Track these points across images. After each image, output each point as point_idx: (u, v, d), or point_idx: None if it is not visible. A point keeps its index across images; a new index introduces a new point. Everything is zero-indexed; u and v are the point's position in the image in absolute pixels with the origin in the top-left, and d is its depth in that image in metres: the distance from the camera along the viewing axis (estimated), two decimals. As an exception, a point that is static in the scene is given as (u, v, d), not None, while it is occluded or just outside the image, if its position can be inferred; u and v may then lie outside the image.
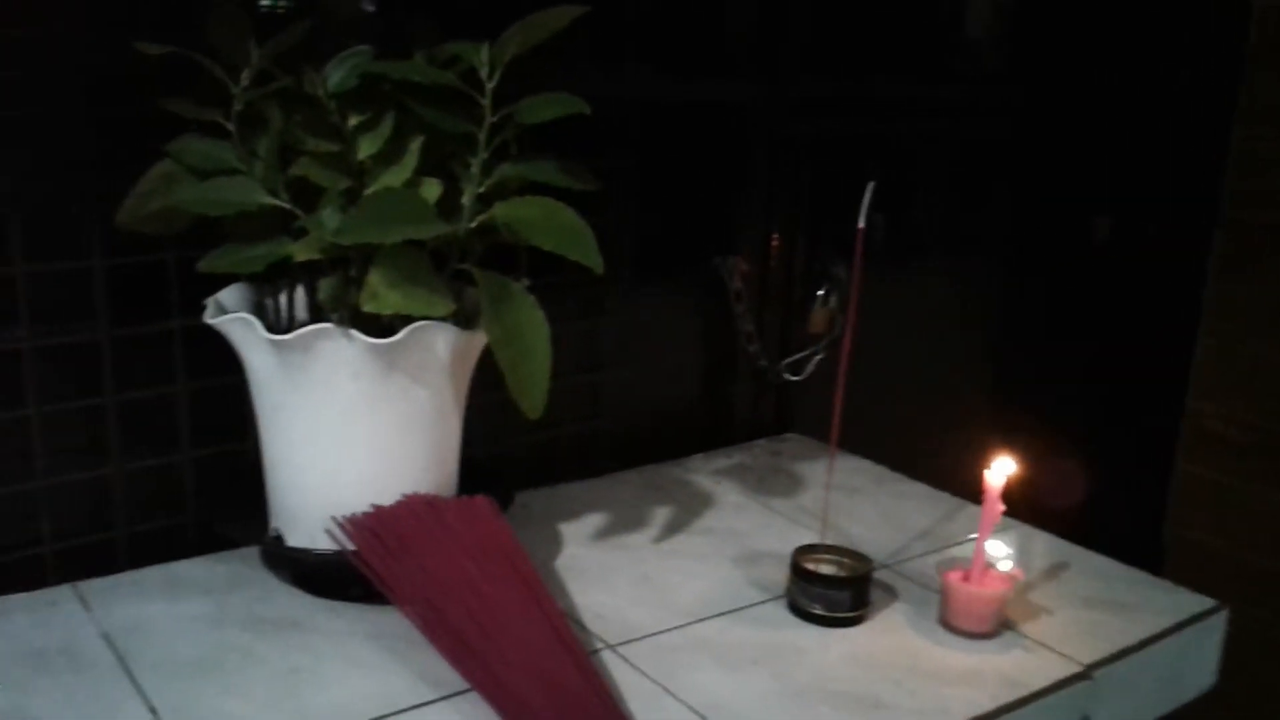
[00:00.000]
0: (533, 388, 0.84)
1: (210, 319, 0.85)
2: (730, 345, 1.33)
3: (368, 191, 0.79)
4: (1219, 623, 0.99)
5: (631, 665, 0.85)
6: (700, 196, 1.29)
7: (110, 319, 0.92)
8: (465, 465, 0.96)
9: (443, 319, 0.82)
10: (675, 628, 0.91)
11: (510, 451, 1.18)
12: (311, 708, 0.77)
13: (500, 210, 0.82)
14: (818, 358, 1.35)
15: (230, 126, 0.81)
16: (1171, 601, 0.99)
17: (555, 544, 1.04)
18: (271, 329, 0.84)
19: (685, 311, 1.32)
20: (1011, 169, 1.62)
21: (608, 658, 0.86)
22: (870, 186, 0.91)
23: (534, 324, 0.84)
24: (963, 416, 1.61)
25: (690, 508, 1.13)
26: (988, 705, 0.83)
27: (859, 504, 1.17)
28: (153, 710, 0.76)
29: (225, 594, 0.91)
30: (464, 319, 0.87)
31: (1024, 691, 0.85)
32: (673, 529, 1.08)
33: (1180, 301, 1.83)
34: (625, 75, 1.18)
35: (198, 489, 0.98)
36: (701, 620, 0.92)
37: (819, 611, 0.92)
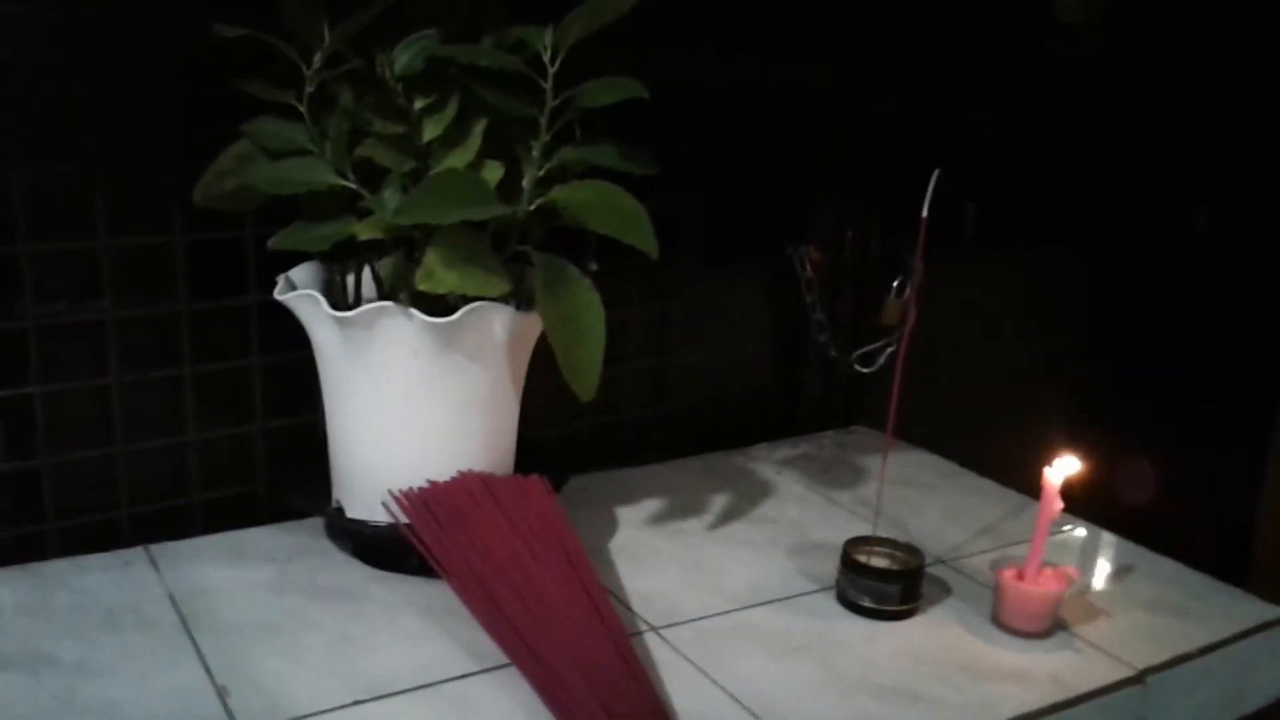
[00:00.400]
0: (586, 370, 0.85)
1: (279, 295, 0.88)
2: (801, 334, 1.32)
3: (430, 173, 0.81)
4: (1289, 633, 0.96)
5: (674, 648, 0.86)
6: (775, 182, 1.29)
7: (189, 292, 0.96)
8: (524, 445, 0.98)
9: (500, 300, 0.84)
10: (722, 613, 0.91)
11: (573, 433, 1.20)
12: (359, 674, 0.80)
13: (559, 193, 0.83)
14: (889, 350, 1.33)
15: (302, 108, 0.84)
16: (1238, 608, 0.97)
17: (611, 526, 1.05)
18: (338, 306, 0.87)
19: (757, 299, 1.32)
20: (1105, 153, 1.59)
21: (650, 640, 0.87)
22: (935, 174, 0.90)
23: (590, 307, 0.85)
24: (1043, 412, 1.59)
25: (750, 496, 1.13)
26: (1035, 704, 0.82)
27: (923, 498, 1.16)
28: (207, 669, 0.79)
29: (287, 562, 0.94)
30: (523, 301, 0.88)
31: (1072, 693, 0.83)
32: (730, 516, 1.09)
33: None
34: (699, 57, 1.18)
35: (269, 459, 1.01)
36: (749, 607, 0.93)
37: (867, 604, 0.92)
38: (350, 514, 0.92)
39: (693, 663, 0.84)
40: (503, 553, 0.82)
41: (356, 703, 0.77)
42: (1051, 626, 0.91)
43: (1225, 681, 0.93)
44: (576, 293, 0.85)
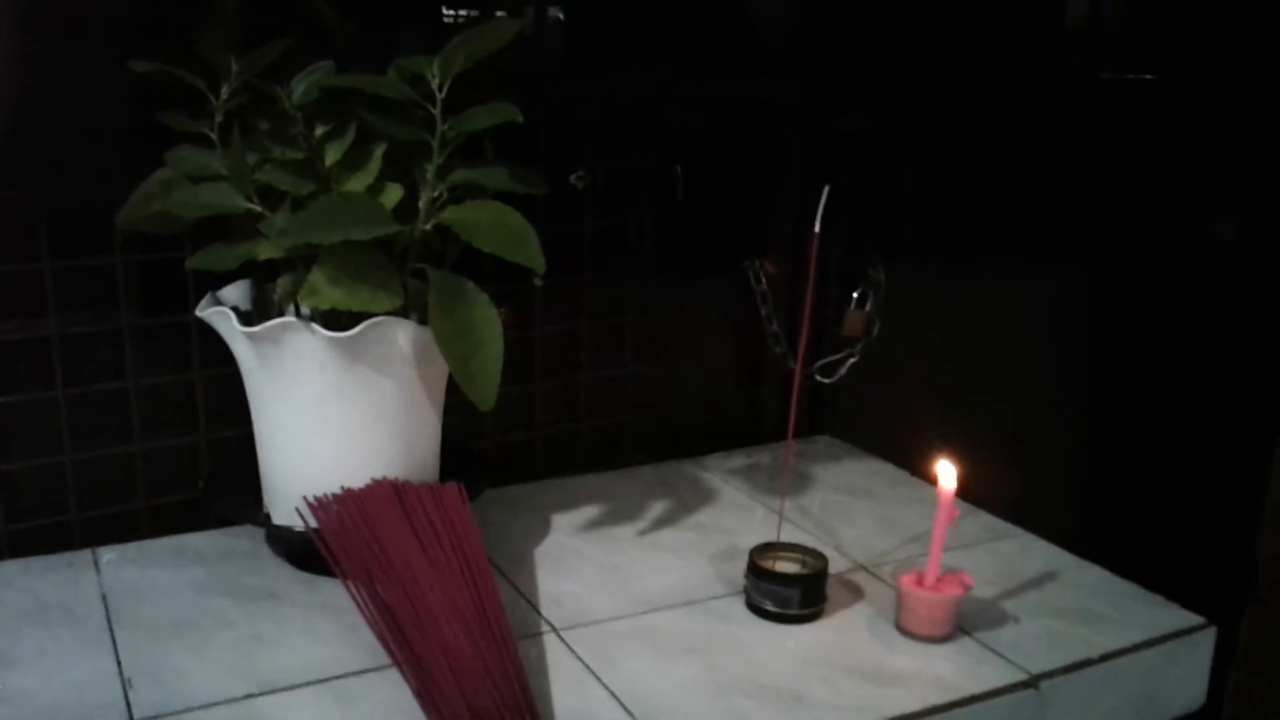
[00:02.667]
0: (484, 381, 0.88)
1: (199, 311, 0.93)
2: (760, 347, 1.34)
3: (320, 196, 0.85)
4: (1205, 640, 0.96)
5: (570, 649, 0.89)
6: (732, 196, 1.32)
7: (131, 310, 1.02)
8: (462, 455, 1.03)
9: (397, 314, 0.88)
10: (626, 616, 0.94)
11: (529, 442, 1.24)
12: (260, 670, 0.84)
13: (451, 213, 0.87)
14: (851, 361, 1.35)
15: (214, 136, 0.89)
16: (1156, 616, 0.97)
17: (543, 532, 1.08)
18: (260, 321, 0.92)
19: (717, 312, 1.35)
20: (1117, 164, 1.58)
21: (549, 640, 0.90)
22: (826, 190, 0.92)
23: (488, 321, 0.89)
24: (1029, 427, 1.58)
25: (688, 503, 1.16)
26: (913, 706, 0.83)
27: (863, 506, 1.17)
28: (119, 662, 0.84)
29: (220, 564, 0.99)
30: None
31: (955, 696, 0.84)
32: (663, 523, 1.11)
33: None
34: (657, 74, 1.22)
35: (211, 468, 1.07)
36: (655, 610, 0.95)
37: (770, 608, 0.94)
38: (276, 520, 0.97)
39: (584, 663, 0.87)
40: (398, 557, 0.86)
41: (249, 696, 0.81)
42: (952, 631, 0.92)
43: (1134, 690, 0.93)
44: (473, 307, 0.88)
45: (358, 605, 0.84)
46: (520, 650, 0.87)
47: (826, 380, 1.35)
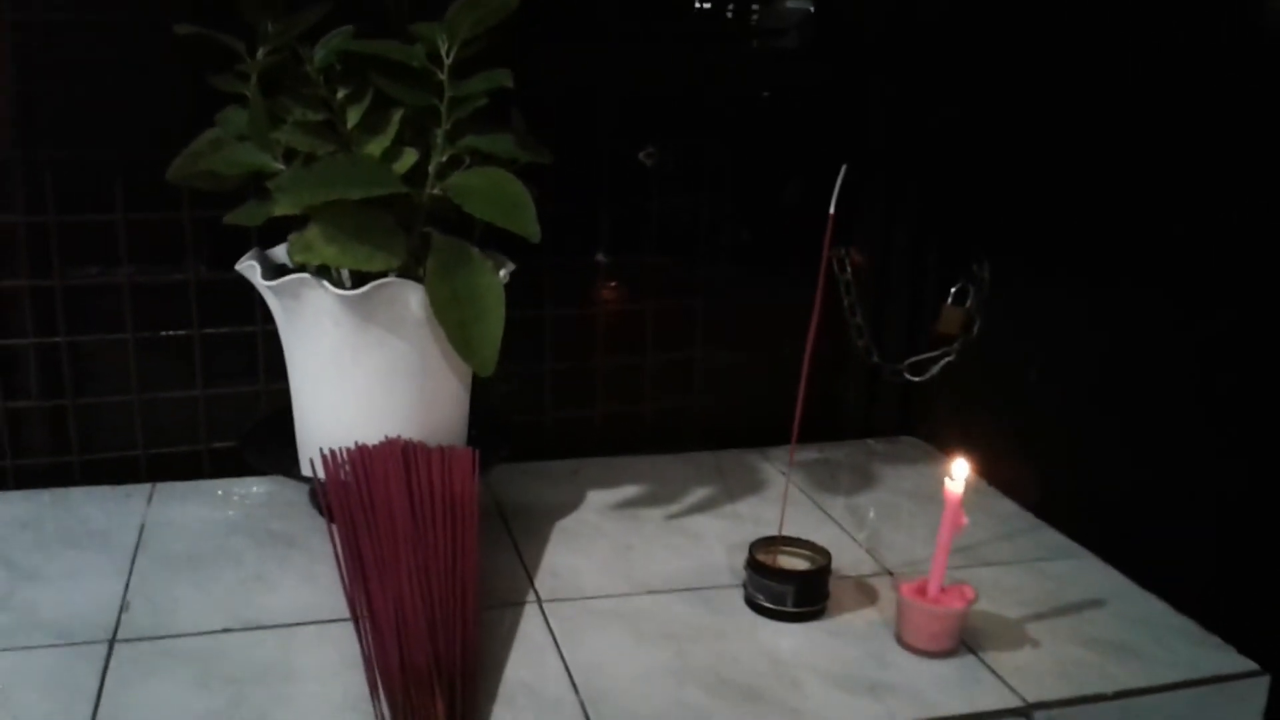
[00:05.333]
0: (485, 347, 0.89)
1: (238, 266, 0.98)
2: (843, 340, 1.29)
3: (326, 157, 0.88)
4: (1257, 689, 0.86)
5: (544, 621, 0.88)
6: (821, 183, 1.27)
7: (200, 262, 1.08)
8: (497, 424, 1.05)
9: (395, 275, 0.90)
10: (618, 595, 0.93)
11: (588, 419, 1.24)
12: (248, 608, 0.88)
13: (454, 179, 0.88)
14: (946, 360, 1.28)
15: (251, 97, 0.93)
16: (1198, 657, 0.87)
17: (572, 507, 1.08)
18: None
19: (798, 301, 1.30)
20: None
21: (529, 611, 0.89)
22: (843, 169, 0.88)
23: (491, 288, 0.90)
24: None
25: (733, 493, 1.13)
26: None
27: (924, 512, 1.11)
28: (127, 587, 0.90)
29: (257, 509, 1.04)
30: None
31: (928, 714, 0.79)
32: (697, 509, 1.09)
33: None
34: (749, 59, 1.19)
35: (260, 419, 1.12)
36: (651, 593, 0.93)
37: (763, 603, 0.90)
38: (305, 471, 1.00)
39: (554, 636, 0.86)
40: (384, 513, 0.88)
41: (226, 630, 0.85)
42: (954, 647, 0.86)
43: (1160, 733, 0.84)
44: (476, 273, 0.89)
45: (334, 554, 0.87)
46: (493, 617, 0.88)
47: (916, 379, 1.29)
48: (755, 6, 1.21)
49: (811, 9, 1.23)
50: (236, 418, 1.12)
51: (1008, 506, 1.13)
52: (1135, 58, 1.03)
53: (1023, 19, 1.16)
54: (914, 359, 1.29)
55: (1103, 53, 1.07)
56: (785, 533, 0.95)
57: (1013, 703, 0.81)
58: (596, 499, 1.10)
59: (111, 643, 0.82)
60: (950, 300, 1.30)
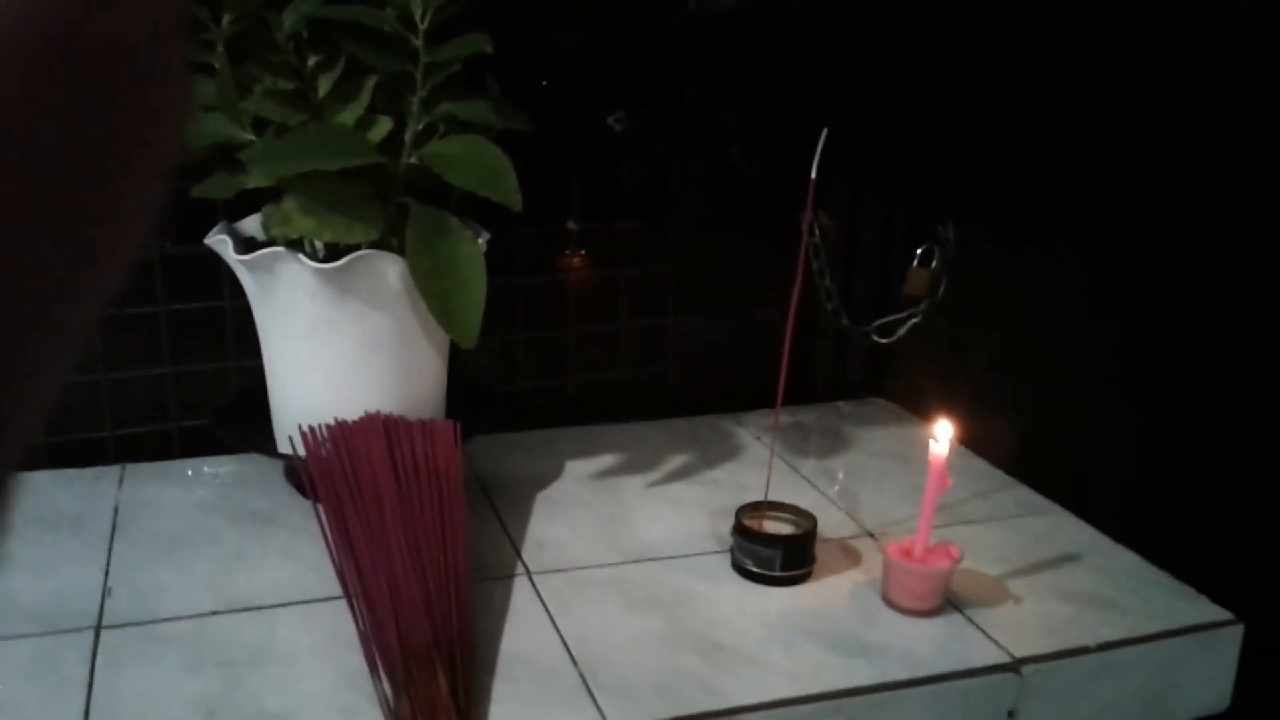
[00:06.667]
0: (467, 318, 0.88)
1: (207, 240, 0.96)
2: (813, 304, 1.30)
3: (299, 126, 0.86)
4: (1230, 638, 0.88)
5: (536, 593, 0.88)
6: (787, 148, 1.27)
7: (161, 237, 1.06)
8: (476, 395, 1.04)
9: (383, 248, 0.88)
10: (606, 565, 0.93)
11: (560, 388, 1.23)
12: (232, 588, 0.87)
13: (431, 147, 0.87)
14: (913, 321, 1.29)
15: (217, 66, 0.91)
16: (1174, 609, 0.89)
17: (552, 477, 1.08)
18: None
19: (767, 266, 1.30)
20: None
21: (519, 584, 0.89)
22: (824, 133, 0.88)
23: (472, 258, 0.88)
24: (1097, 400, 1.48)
25: (710, 459, 1.13)
26: (868, 680, 0.79)
27: (897, 472, 1.12)
28: (107, 572, 0.88)
29: (232, 487, 1.03)
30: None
31: (922, 672, 0.80)
32: (676, 476, 1.09)
33: None
34: (715, 25, 1.18)
35: (232, 395, 1.10)
36: (638, 562, 0.93)
37: (751, 568, 0.91)
38: (281, 448, 0.99)
39: (546, 608, 0.86)
40: (369, 489, 0.87)
41: (214, 613, 0.84)
42: (940, 605, 0.87)
43: (1140, 685, 0.86)
44: (457, 243, 0.88)
45: (323, 531, 0.86)
46: (484, 591, 0.87)
47: (884, 340, 1.30)
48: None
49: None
50: (207, 395, 1.10)
51: (979, 464, 1.15)
52: (1098, 21, 1.04)
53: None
54: (881, 321, 1.30)
55: (1067, 12, 1.07)
56: (771, 497, 0.96)
57: (1001, 659, 0.82)
58: (576, 469, 1.10)
59: (98, 629, 0.80)
60: (916, 262, 1.31)
